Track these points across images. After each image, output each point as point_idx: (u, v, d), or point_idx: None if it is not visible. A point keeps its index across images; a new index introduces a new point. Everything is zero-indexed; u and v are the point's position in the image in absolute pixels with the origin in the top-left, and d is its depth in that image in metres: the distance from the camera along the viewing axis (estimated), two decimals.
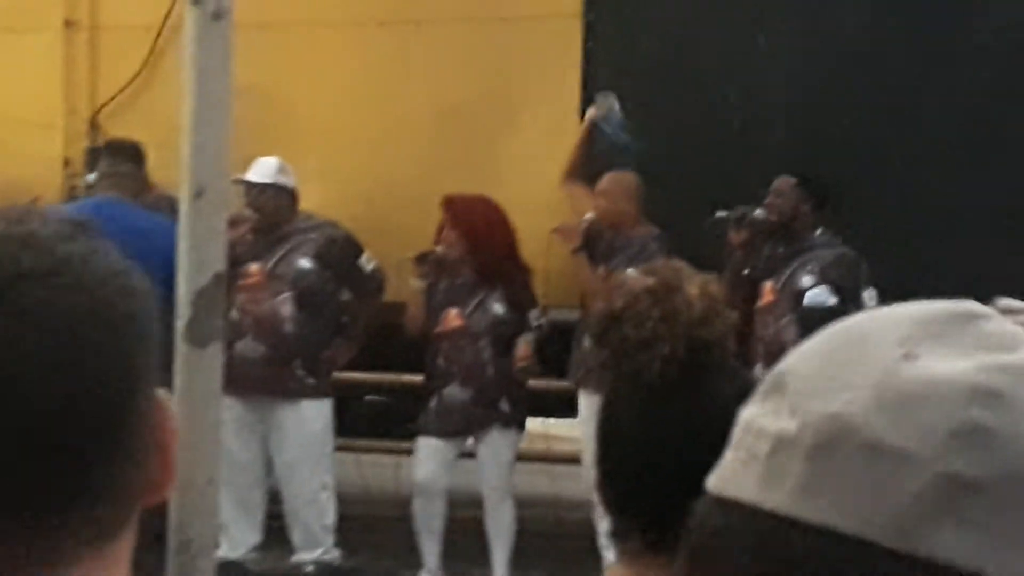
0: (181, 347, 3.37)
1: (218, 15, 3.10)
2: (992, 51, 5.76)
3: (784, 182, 5.54)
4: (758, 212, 5.50)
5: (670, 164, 6.16)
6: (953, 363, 0.55)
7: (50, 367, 0.69)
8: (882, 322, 0.59)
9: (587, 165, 6.39)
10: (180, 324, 3.45)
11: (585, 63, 6.59)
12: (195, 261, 3.52)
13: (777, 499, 0.55)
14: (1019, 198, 5.42)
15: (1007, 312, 0.61)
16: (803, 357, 0.60)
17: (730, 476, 0.60)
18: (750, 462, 0.59)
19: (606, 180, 5.96)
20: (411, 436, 6.22)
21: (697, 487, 1.18)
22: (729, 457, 0.61)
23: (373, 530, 6.46)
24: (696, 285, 1.53)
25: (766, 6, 6.48)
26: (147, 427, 0.75)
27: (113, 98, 6.72)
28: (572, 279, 5.76)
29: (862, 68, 5.98)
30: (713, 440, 1.21)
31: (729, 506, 0.58)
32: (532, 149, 6.57)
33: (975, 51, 5.92)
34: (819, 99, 6.02)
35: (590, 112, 6.34)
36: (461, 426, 5.97)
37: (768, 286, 5.38)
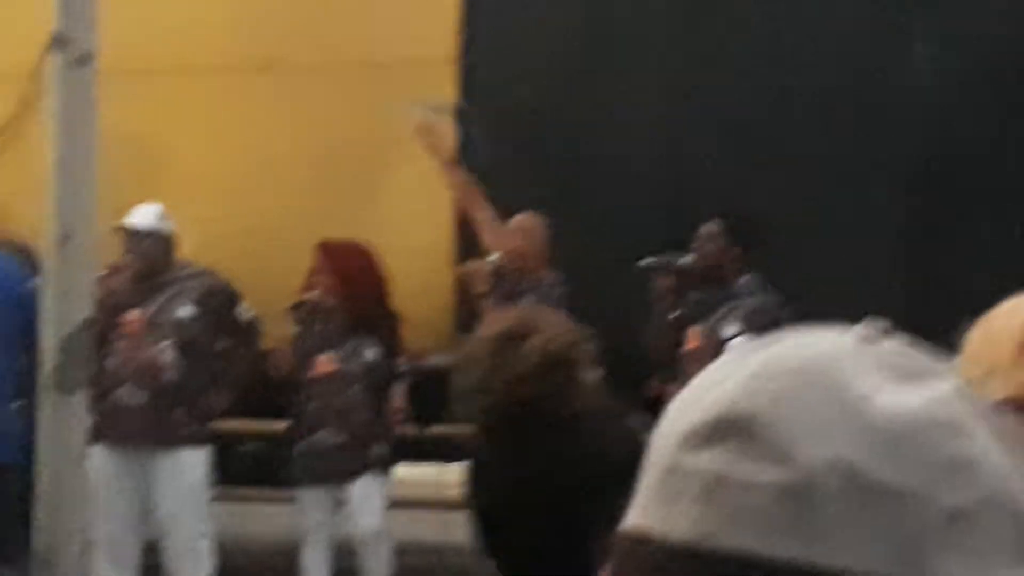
0: (47, 394, 3.33)
1: (82, 60, 3.27)
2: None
3: (712, 227, 5.60)
4: (685, 259, 5.57)
5: (539, 206, 6.22)
6: (906, 399, 0.56)
7: None
8: (822, 363, 0.59)
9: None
10: (45, 370, 3.41)
11: (462, 123, 6.65)
12: (61, 307, 3.51)
13: (799, 549, 0.55)
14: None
15: (870, 336, 0.61)
16: (766, 402, 0.58)
17: (714, 529, 0.57)
18: (741, 514, 0.56)
19: (516, 221, 6.05)
20: (291, 483, 6.16)
21: (531, 535, 1.34)
22: (691, 509, 0.58)
23: None
24: (542, 338, 1.53)
25: (640, 51, 6.61)
26: None
27: None
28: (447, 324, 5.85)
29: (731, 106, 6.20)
30: (541, 492, 1.23)
31: (724, 559, 0.56)
32: (406, 194, 6.64)
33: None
34: (685, 145, 6.25)
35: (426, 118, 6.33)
36: (333, 471, 5.95)
37: (694, 332, 5.44)
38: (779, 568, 0.53)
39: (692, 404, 0.60)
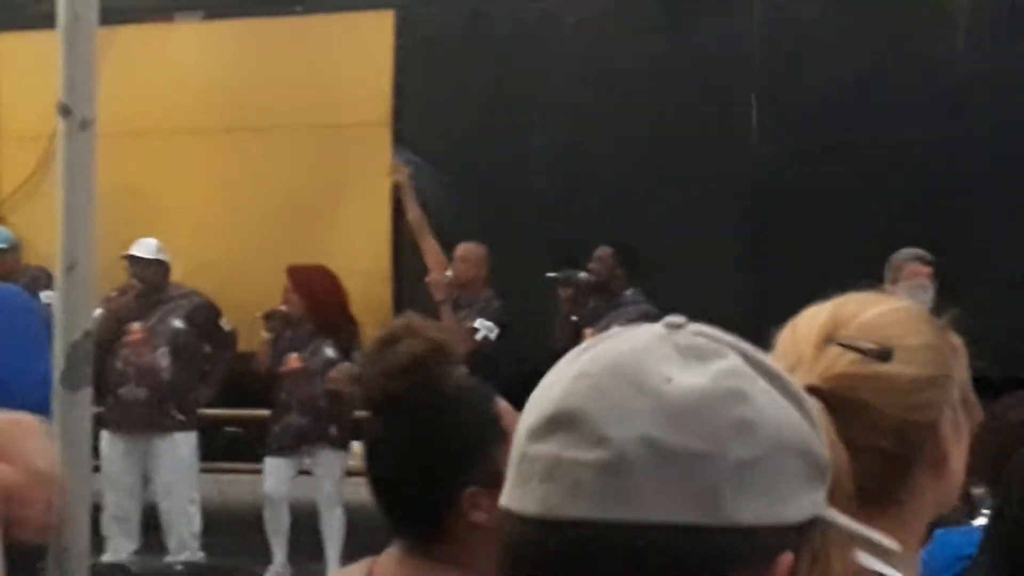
0: (58, 391, 3.91)
1: (84, 125, 3.57)
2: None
3: (604, 251, 6.36)
4: (582, 274, 6.32)
5: (476, 234, 6.83)
6: (697, 377, 0.63)
7: None
8: (630, 356, 0.67)
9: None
10: (57, 372, 4.02)
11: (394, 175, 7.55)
12: (69, 320, 4.03)
13: (623, 511, 0.63)
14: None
15: (674, 326, 0.69)
16: (584, 398, 0.66)
17: (555, 503, 0.64)
18: (576, 488, 0.63)
19: (463, 249, 6.75)
20: (261, 458, 6.98)
21: (412, 497, 1.54)
22: (537, 490, 0.66)
23: (231, 535, 7.32)
24: (413, 342, 1.64)
25: (541, 108, 7.43)
26: None
27: (13, 193, 7.41)
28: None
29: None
30: (417, 462, 1.47)
31: (566, 526, 0.63)
32: (353, 230, 7.31)
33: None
34: (583, 186, 7.09)
35: (396, 175, 7.13)
36: (296, 445, 6.77)
37: (588, 332, 6.05)
38: (610, 529, 0.61)
39: (536, 403, 0.68)
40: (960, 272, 6.05)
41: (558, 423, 0.65)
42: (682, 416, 0.63)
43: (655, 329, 0.69)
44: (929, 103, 6.83)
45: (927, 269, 5.66)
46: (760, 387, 0.66)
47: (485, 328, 6.46)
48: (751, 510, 0.64)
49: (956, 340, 1.29)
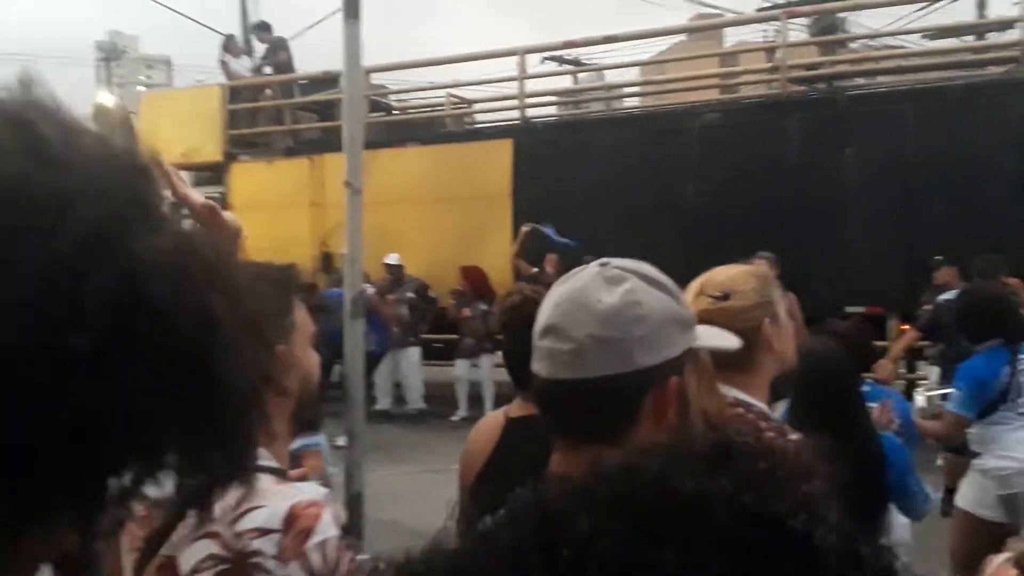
0: (347, 318, 3.89)
1: (356, 193, 3.83)
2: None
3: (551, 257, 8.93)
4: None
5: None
6: (613, 297, 1.03)
7: None
8: (579, 288, 1.06)
9: (529, 251, 9.41)
10: (347, 309, 3.95)
11: (514, 219, 10.32)
12: (353, 288, 4.00)
13: (583, 372, 1.02)
14: None
15: (603, 264, 1.08)
16: (559, 316, 1.07)
17: (552, 371, 1.09)
18: (560, 363, 1.06)
19: (550, 258, 9.12)
20: (452, 358, 10.24)
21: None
22: (543, 363, 1.13)
23: (438, 397, 10.51)
24: (515, 297, 2.31)
25: (585, 192, 9.94)
26: None
27: (331, 231, 10.15)
28: None
29: None
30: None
31: (558, 381, 1.08)
32: (492, 248, 10.35)
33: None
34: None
35: (524, 227, 9.53)
36: (470, 353, 9.95)
37: None
38: (577, 382, 1.04)
39: (539, 318, 1.13)
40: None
41: (548, 331, 1.06)
42: (607, 320, 1.00)
43: (593, 268, 1.10)
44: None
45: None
46: (647, 291, 1.04)
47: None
48: (650, 357, 1.02)
49: (772, 278, 1.88)
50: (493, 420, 2.55)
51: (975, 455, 4.26)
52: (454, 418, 10.11)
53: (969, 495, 4.19)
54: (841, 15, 15.49)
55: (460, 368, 10.56)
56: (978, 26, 14.17)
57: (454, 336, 10.61)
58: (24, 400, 0.53)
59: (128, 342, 0.56)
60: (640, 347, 1.10)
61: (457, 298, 10.51)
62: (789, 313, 1.92)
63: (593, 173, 10.34)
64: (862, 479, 2.19)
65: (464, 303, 10.49)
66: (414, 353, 10.76)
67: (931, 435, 4.34)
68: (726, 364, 1.58)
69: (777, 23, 11.40)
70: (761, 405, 1.81)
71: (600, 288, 1.12)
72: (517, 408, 2.43)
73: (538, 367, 1.16)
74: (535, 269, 9.35)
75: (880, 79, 11.02)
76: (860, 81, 11.04)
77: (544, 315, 1.16)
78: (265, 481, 1.38)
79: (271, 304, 0.71)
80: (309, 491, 1.44)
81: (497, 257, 10.37)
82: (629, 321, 1.10)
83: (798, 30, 13.89)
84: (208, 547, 1.29)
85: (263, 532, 1.31)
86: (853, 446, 2.48)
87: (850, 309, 7.82)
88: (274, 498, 1.34)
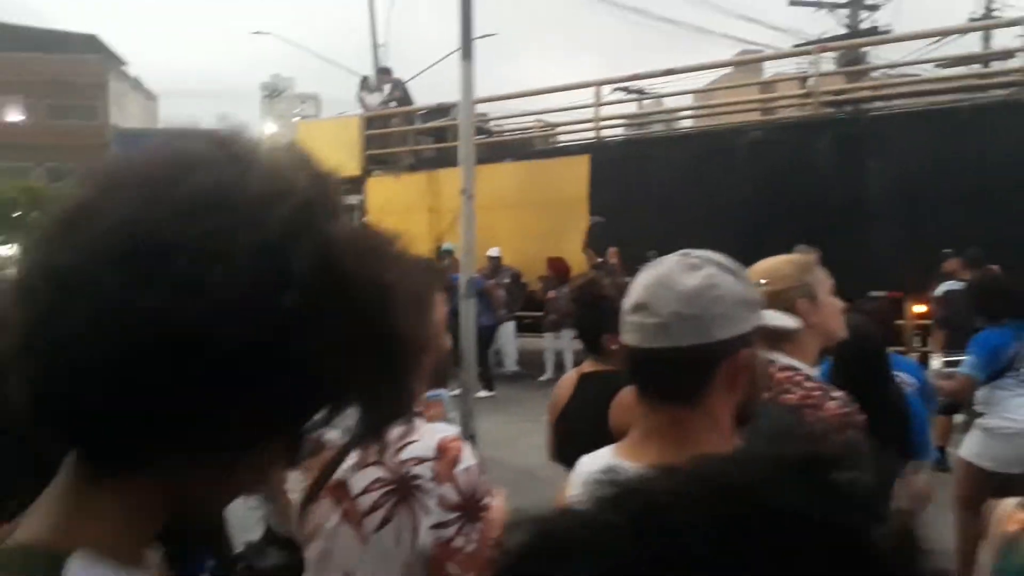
0: (464, 298, 4.03)
1: (470, 197, 4.00)
2: None
3: (611, 249, 9.11)
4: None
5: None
6: (694, 280, 1.00)
7: None
8: (665, 273, 0.99)
9: (593, 244, 9.51)
10: (463, 287, 4.09)
11: (589, 224, 10.12)
12: (466, 272, 4.22)
13: (668, 343, 0.98)
14: None
15: (684, 254, 1.04)
16: (647, 295, 0.98)
17: (640, 341, 1.05)
18: (648, 334, 1.02)
19: (612, 251, 9.10)
20: (541, 332, 10.36)
21: None
22: (634, 335, 1.05)
23: (528, 363, 10.55)
24: (584, 277, 2.49)
25: (652, 197, 9.92)
26: None
27: (444, 231, 10.16)
28: None
29: None
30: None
31: (646, 349, 1.02)
32: (571, 243, 9.98)
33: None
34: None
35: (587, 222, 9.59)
36: (555, 327, 9.79)
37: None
38: (664, 350, 0.98)
39: (629, 296, 1.05)
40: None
41: (638, 307, 1.02)
42: (689, 300, 0.97)
43: (676, 256, 1.09)
44: None
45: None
46: (722, 276, 1.01)
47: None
48: (724, 332, 0.98)
49: (813, 265, 1.78)
50: (570, 377, 2.79)
51: (979, 415, 4.12)
52: (541, 379, 9.99)
53: (972, 448, 4.05)
54: (864, 49, 15.34)
55: (546, 339, 10.53)
56: (983, 56, 13.86)
57: (541, 313, 10.56)
58: (251, 349, 0.55)
59: (326, 300, 0.58)
60: (716, 323, 1.08)
61: (544, 283, 10.46)
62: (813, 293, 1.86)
63: (655, 183, 10.33)
64: (888, 431, 2.21)
65: (550, 287, 10.40)
66: (510, 327, 10.75)
67: (945, 393, 4.21)
68: (778, 337, 1.61)
69: (811, 56, 11.31)
70: (806, 368, 1.78)
71: (683, 273, 1.10)
72: (587, 366, 2.65)
73: (628, 338, 1.15)
74: (600, 259, 9.39)
75: (897, 102, 10.89)
76: (880, 104, 10.90)
77: (634, 295, 1.14)
78: (415, 421, 1.42)
79: (425, 282, 0.68)
80: (450, 429, 1.46)
81: (575, 250, 10.32)
82: (707, 301, 1.08)
83: (827, 62, 13.62)
84: (375, 473, 1.33)
85: (420, 460, 1.34)
86: (882, 401, 2.44)
87: (873, 293, 7.64)
88: (425, 434, 1.37)
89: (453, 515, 1.28)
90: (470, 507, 1.29)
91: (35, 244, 0.58)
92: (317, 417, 0.63)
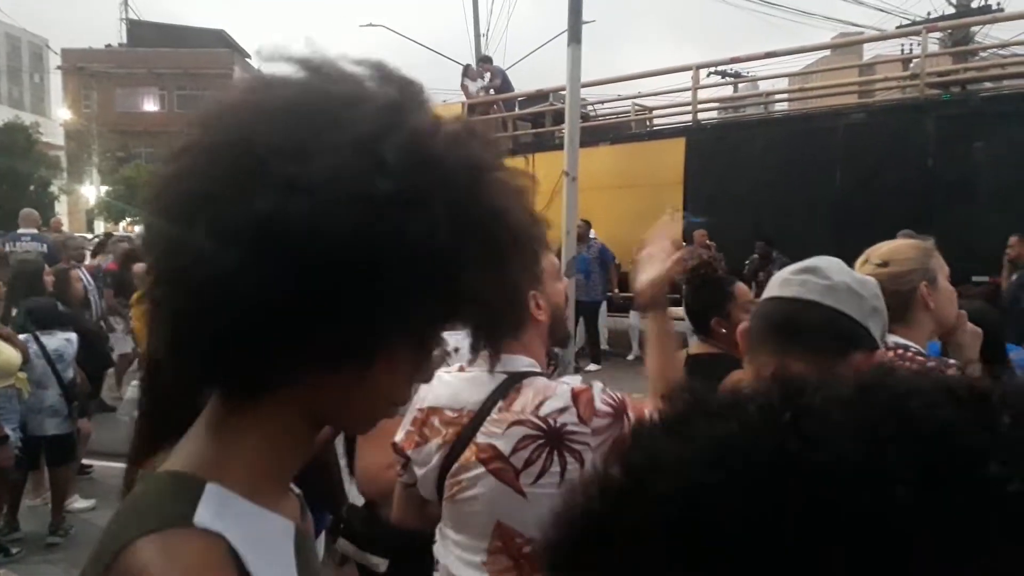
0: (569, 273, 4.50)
1: (573, 179, 4.14)
2: None
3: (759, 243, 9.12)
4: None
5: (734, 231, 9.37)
6: (864, 273, 1.23)
7: None
8: (831, 261, 1.07)
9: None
10: (565, 260, 4.24)
11: (684, 202, 9.83)
12: (568, 254, 4.56)
13: (832, 303, 1.08)
14: None
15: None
16: (820, 263, 1.08)
17: (801, 293, 1.10)
18: (813, 290, 1.10)
19: (698, 233, 8.85)
20: (628, 311, 10.14)
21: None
22: (795, 289, 1.12)
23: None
24: (718, 268, 2.44)
25: (742, 180, 9.70)
26: None
27: (545, 206, 10.27)
28: None
29: None
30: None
31: (808, 303, 1.08)
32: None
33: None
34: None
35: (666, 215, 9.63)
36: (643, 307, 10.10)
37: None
38: (825, 307, 1.09)
39: (792, 268, 1.16)
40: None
41: (807, 270, 1.10)
42: (861, 281, 1.14)
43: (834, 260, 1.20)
44: None
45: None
46: (839, 275, 1.12)
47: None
48: (872, 325, 1.09)
49: (933, 250, 1.74)
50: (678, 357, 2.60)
51: None
52: (629, 357, 9.91)
53: None
54: (973, 28, 14.41)
55: (633, 318, 10.29)
56: None
57: (631, 294, 10.44)
58: (356, 238, 0.55)
59: (421, 184, 0.57)
60: (871, 315, 1.13)
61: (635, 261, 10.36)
62: (934, 278, 1.81)
63: (750, 166, 10.00)
64: None
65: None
66: (603, 306, 10.65)
67: None
68: (890, 319, 1.51)
69: (918, 37, 10.71)
70: (918, 347, 1.72)
71: (853, 269, 1.23)
72: (695, 347, 2.56)
73: (784, 291, 1.16)
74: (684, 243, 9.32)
75: (1006, 83, 10.24)
76: (988, 85, 10.33)
77: (800, 265, 1.17)
78: (541, 380, 1.47)
79: (533, 220, 0.64)
80: (575, 379, 1.51)
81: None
82: (873, 294, 1.15)
83: (932, 42, 12.74)
84: (521, 431, 1.37)
85: (562, 410, 1.39)
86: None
87: (976, 279, 7.40)
88: (556, 388, 1.42)
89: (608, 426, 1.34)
90: (620, 416, 1.34)
91: (155, 182, 0.60)
92: (434, 321, 0.62)
